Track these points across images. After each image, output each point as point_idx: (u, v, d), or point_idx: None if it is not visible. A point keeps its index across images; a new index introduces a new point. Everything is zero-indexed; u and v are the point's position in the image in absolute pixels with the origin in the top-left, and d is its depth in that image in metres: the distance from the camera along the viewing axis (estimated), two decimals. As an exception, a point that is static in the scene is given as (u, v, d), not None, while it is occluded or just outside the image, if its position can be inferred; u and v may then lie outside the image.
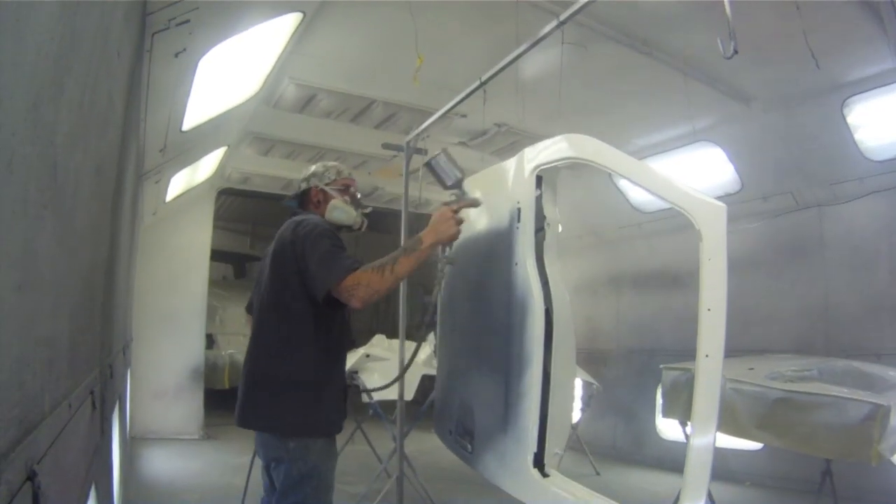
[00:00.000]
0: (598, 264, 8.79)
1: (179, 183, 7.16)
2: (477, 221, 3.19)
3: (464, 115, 6.02)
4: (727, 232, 2.14)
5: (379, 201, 9.40)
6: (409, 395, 5.27)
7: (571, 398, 3.13)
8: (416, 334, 3.29)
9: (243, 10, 3.64)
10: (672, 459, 6.68)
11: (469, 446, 3.13)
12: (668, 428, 7.03)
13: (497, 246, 2.99)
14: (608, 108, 6.12)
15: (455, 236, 2.63)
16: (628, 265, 8.47)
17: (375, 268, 2.44)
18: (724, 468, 5.86)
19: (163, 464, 6.93)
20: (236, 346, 9.94)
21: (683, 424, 4.61)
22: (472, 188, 2.88)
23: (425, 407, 5.55)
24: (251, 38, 4.06)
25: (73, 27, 1.34)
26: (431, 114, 4.50)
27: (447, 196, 2.77)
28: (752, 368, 4.27)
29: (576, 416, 7.43)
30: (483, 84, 3.76)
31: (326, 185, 2.92)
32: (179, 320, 8.49)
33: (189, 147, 5.80)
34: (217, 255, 10.68)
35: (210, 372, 9.21)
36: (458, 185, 2.77)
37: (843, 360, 4.70)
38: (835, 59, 4.73)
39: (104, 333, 2.84)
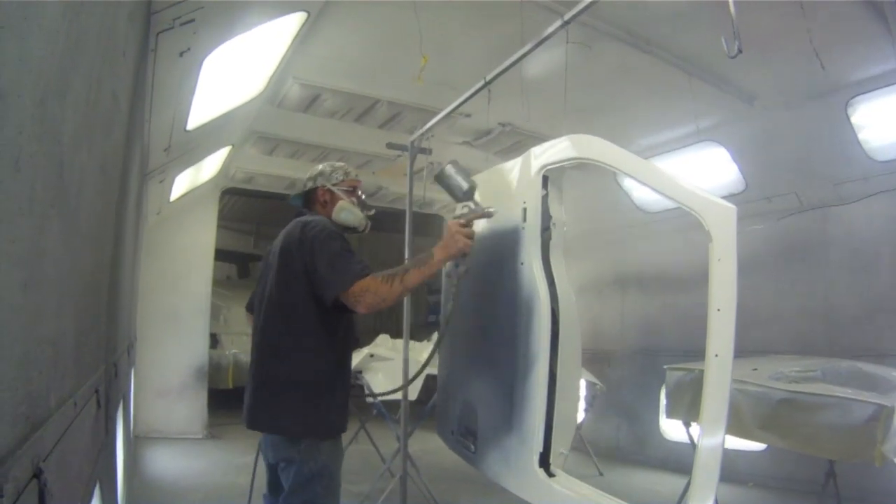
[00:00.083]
0: (603, 264, 8.78)
1: (183, 182, 7.17)
2: (482, 221, 3.19)
3: (468, 115, 6.02)
4: (733, 233, 2.14)
5: (383, 201, 9.40)
6: (413, 395, 5.27)
7: (577, 398, 3.13)
8: (419, 334, 3.31)
9: (247, 10, 3.65)
10: (676, 460, 6.68)
11: (472, 446, 3.13)
12: (672, 429, 7.01)
13: (503, 246, 2.98)
14: (612, 107, 6.12)
15: (465, 250, 2.64)
16: (633, 265, 8.45)
17: (385, 277, 2.46)
18: (728, 469, 5.85)
19: (167, 463, 6.95)
20: (240, 346, 9.97)
21: (687, 425, 4.61)
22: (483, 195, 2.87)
23: (429, 407, 5.55)
24: (255, 38, 4.06)
25: (78, 26, 1.35)
26: (436, 113, 4.50)
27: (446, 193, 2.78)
28: (755, 369, 4.27)
29: (579, 416, 7.41)
30: (487, 84, 3.75)
31: (334, 185, 2.92)
32: (183, 320, 8.50)
33: (193, 146, 5.81)
34: (221, 255, 10.69)
35: (214, 371, 9.24)
36: (469, 195, 2.77)
37: (846, 361, 4.69)
38: (839, 58, 4.72)
39: (109, 332, 2.84)
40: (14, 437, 1.06)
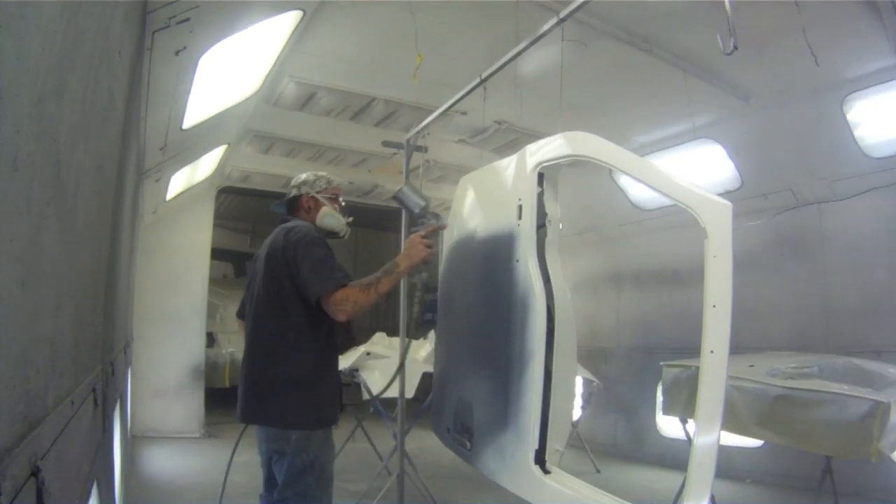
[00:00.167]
0: (599, 261, 8.79)
1: (180, 181, 7.15)
2: (477, 218, 3.20)
3: (464, 113, 6.02)
4: (729, 229, 2.15)
5: (379, 199, 9.40)
6: (409, 393, 5.28)
7: (573, 395, 3.13)
8: (416, 332, 3.37)
9: (243, 9, 3.65)
10: (672, 457, 6.69)
11: (468, 443, 3.13)
12: (669, 425, 7.03)
13: (498, 243, 2.98)
14: (608, 105, 6.12)
15: (426, 258, 2.88)
16: (628, 262, 8.46)
17: (363, 286, 2.66)
18: (725, 465, 5.87)
19: (164, 462, 6.94)
20: (237, 345, 9.93)
21: (684, 422, 4.62)
22: (468, 188, 2.95)
23: (426, 405, 5.56)
24: (251, 37, 4.06)
25: (74, 25, 1.35)
26: (431, 111, 4.50)
27: (447, 192, 2.82)
28: (752, 365, 4.28)
29: (576, 413, 7.43)
30: (483, 82, 3.76)
31: (318, 192, 3.10)
32: (180, 319, 8.49)
33: (189, 145, 5.80)
34: (217, 254, 10.68)
35: (211, 370, 9.23)
36: (423, 212, 3.04)
37: (843, 357, 4.70)
38: (834, 55, 4.73)
39: (106, 331, 2.84)
40: (12, 436, 1.06)
